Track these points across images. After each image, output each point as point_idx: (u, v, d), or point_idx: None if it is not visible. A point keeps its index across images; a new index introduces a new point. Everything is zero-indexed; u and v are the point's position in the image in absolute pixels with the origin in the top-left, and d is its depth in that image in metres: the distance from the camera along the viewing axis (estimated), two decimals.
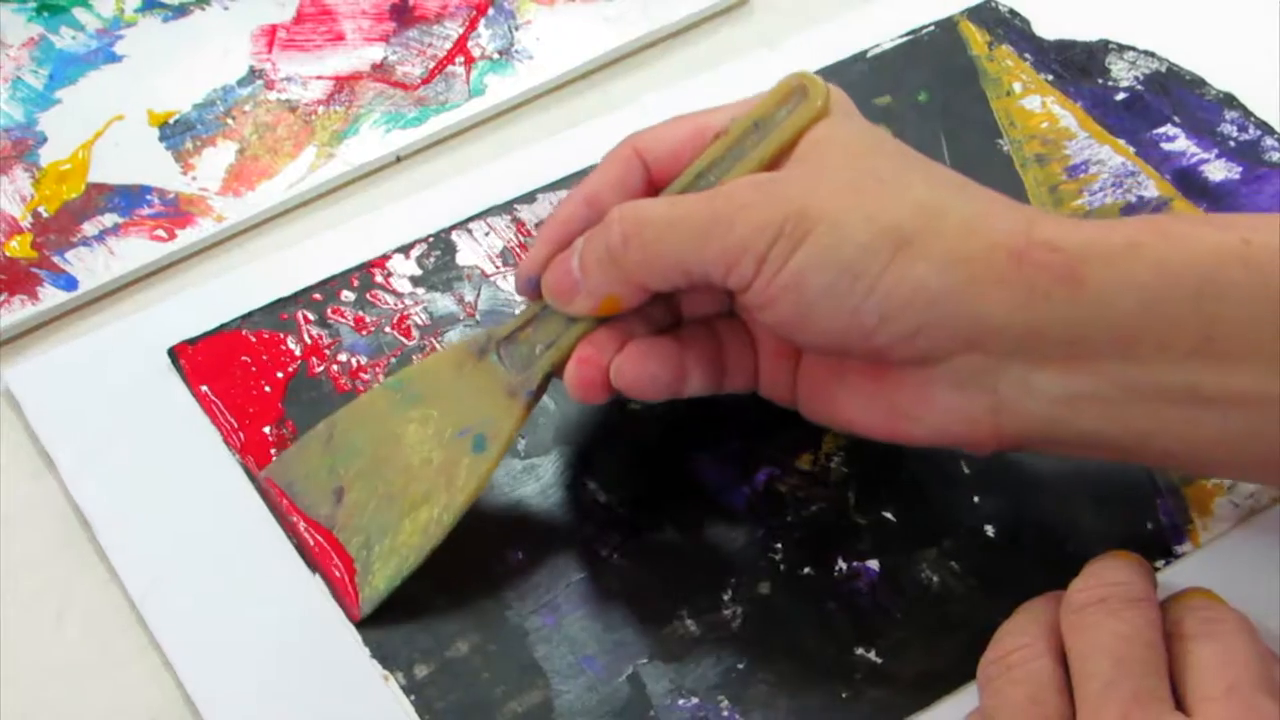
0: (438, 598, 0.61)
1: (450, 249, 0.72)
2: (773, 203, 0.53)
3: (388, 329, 0.69)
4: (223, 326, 0.70)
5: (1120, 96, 0.78)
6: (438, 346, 0.68)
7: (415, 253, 0.72)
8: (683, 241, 0.55)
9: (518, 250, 0.72)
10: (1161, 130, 0.77)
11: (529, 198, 0.74)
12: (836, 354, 0.56)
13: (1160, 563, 0.62)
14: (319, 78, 0.79)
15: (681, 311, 0.60)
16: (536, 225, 0.72)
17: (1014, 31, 0.81)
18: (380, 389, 0.63)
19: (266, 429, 0.66)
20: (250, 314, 0.70)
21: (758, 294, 0.54)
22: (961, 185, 0.56)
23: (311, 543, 0.62)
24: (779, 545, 0.62)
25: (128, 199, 0.74)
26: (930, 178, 0.56)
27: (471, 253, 0.72)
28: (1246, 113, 0.77)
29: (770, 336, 0.59)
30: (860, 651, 0.60)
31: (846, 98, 0.61)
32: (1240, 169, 0.75)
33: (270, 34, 0.81)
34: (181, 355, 0.69)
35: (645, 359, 0.57)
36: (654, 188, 0.59)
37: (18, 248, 0.72)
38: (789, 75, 0.60)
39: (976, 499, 0.63)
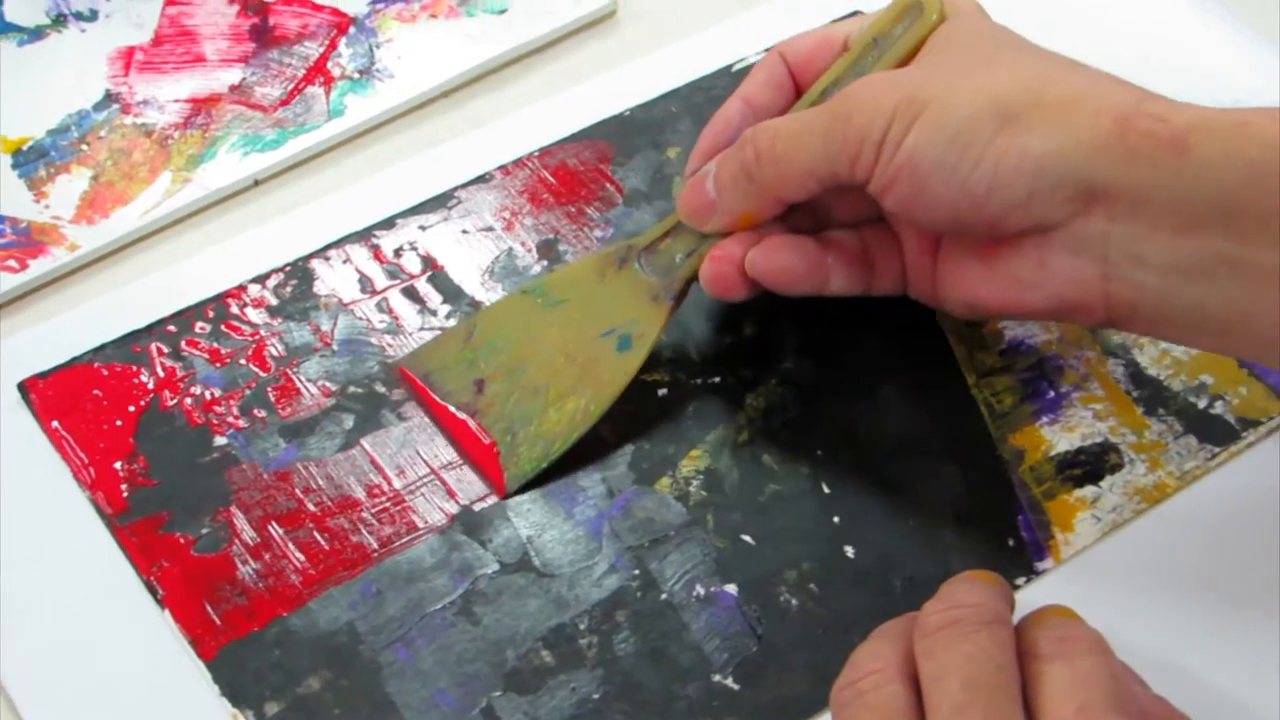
0: (290, 633, 0.60)
1: (307, 277, 0.71)
2: (885, 92, 0.56)
3: (243, 361, 0.68)
4: (75, 360, 0.69)
5: None
6: (293, 378, 0.67)
7: (272, 282, 0.71)
8: (811, 146, 0.58)
9: (373, 279, 0.70)
10: None
11: (389, 223, 0.73)
12: (957, 230, 0.58)
13: (1021, 580, 0.61)
14: (176, 100, 0.78)
15: (830, 222, 0.63)
16: (395, 252, 0.71)
17: None
18: (519, 294, 0.67)
19: (118, 464, 0.65)
20: (102, 347, 0.69)
21: (879, 179, 0.56)
22: (1072, 65, 0.58)
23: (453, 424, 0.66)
24: (636, 572, 0.62)
25: None
26: (1040, 59, 0.57)
27: (329, 281, 0.70)
28: None
29: (912, 234, 0.61)
30: (718, 679, 0.59)
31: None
32: None
33: (127, 56, 0.80)
34: (32, 390, 0.67)
35: (779, 250, 0.61)
36: (797, 86, 0.64)
37: None
38: None
39: (836, 519, 0.63)
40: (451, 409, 0.66)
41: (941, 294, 0.61)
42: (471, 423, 0.65)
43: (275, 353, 0.69)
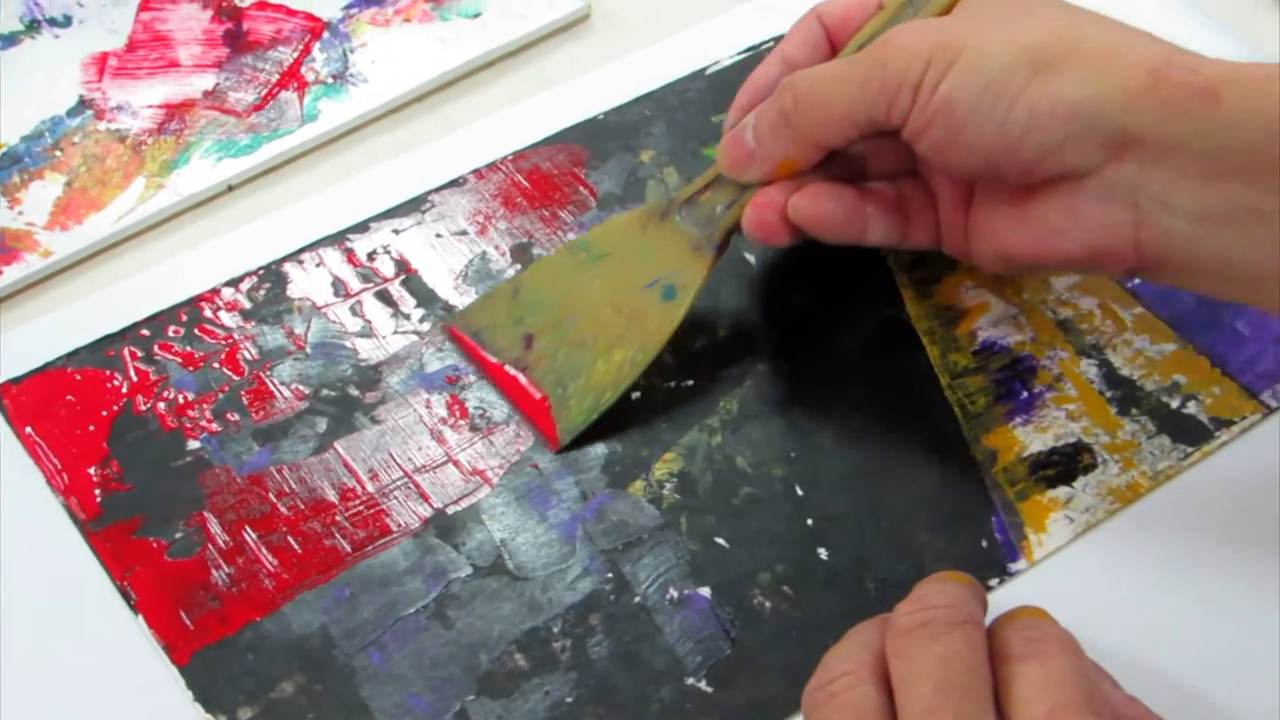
0: (263, 637, 0.61)
1: (281, 281, 0.71)
2: (922, 37, 0.57)
3: (216, 364, 0.68)
4: (48, 365, 0.68)
5: None
6: (266, 381, 0.67)
7: (245, 285, 0.71)
8: (848, 91, 0.58)
9: (347, 282, 0.70)
10: None
11: (362, 227, 0.73)
12: (990, 176, 0.58)
13: (994, 581, 0.61)
14: (150, 106, 0.77)
15: (866, 175, 0.64)
16: (369, 255, 0.71)
17: None
18: (564, 250, 0.68)
19: (91, 469, 0.65)
20: (75, 351, 0.69)
21: (915, 122, 0.57)
22: (1104, 19, 0.58)
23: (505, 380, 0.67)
24: (610, 575, 0.61)
25: None
26: (1073, 13, 0.58)
27: (302, 284, 0.70)
28: None
29: (945, 185, 0.63)
30: (691, 682, 0.59)
31: None
32: None
33: (101, 62, 0.80)
34: (5, 395, 0.67)
35: (821, 197, 0.62)
36: (833, 46, 0.65)
37: None
38: None
39: (810, 522, 0.63)
40: (503, 365, 0.67)
41: (974, 246, 0.61)
42: (522, 378, 0.66)
43: (248, 356, 0.68)
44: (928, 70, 0.56)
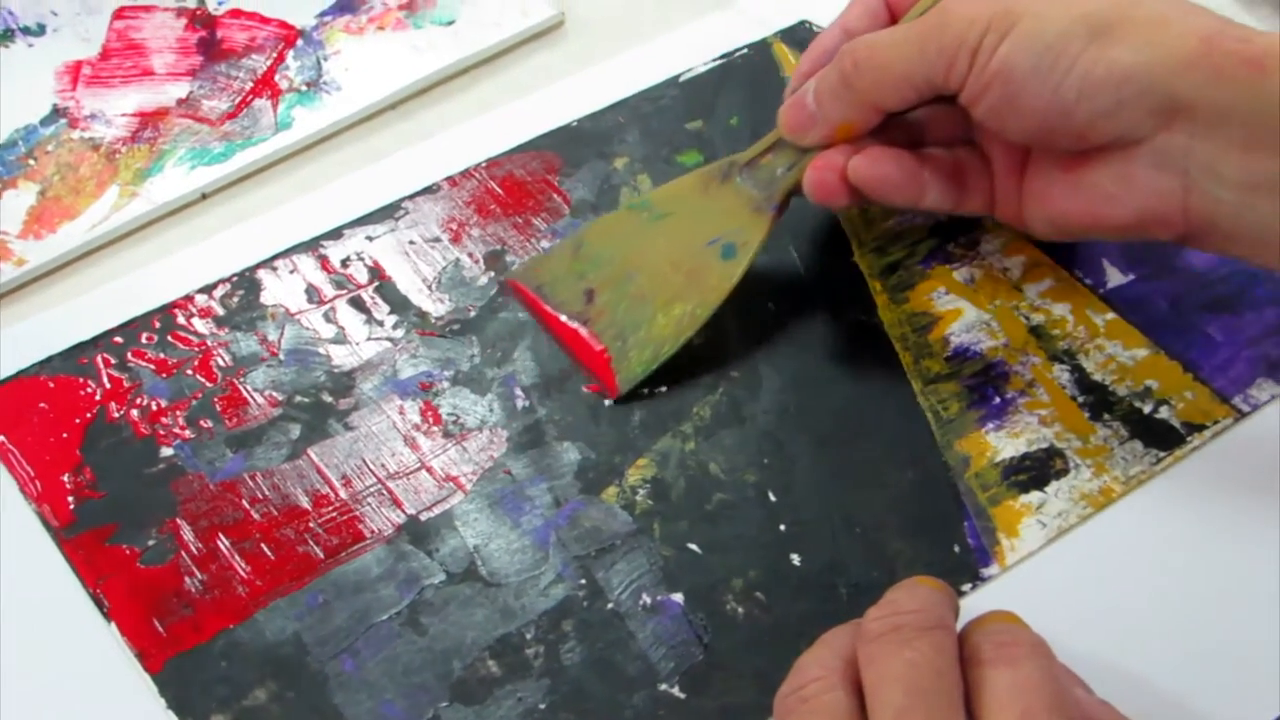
0: (236, 645, 0.61)
1: (254, 288, 0.71)
2: (982, 4, 0.58)
3: (189, 371, 0.68)
4: (21, 373, 0.68)
5: None
6: (240, 388, 0.67)
7: (218, 292, 0.71)
8: (908, 54, 0.60)
9: (321, 289, 0.70)
10: None
11: (336, 233, 0.73)
12: (1045, 141, 0.60)
13: (967, 586, 0.61)
14: (124, 114, 0.77)
15: (924, 142, 0.66)
16: (342, 262, 0.71)
17: None
18: (626, 209, 0.70)
19: (64, 477, 0.65)
20: (49, 359, 0.68)
21: (973, 85, 0.59)
22: None
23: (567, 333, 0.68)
24: (583, 581, 0.61)
25: None
26: None
27: (276, 291, 0.70)
28: None
29: (1000, 152, 0.65)
30: (664, 688, 0.59)
31: None
32: None
33: (75, 70, 0.80)
34: None
35: (881, 159, 0.63)
36: (892, 16, 0.66)
37: None
38: None
39: (783, 527, 0.63)
40: (563, 318, 0.69)
41: (1027, 211, 0.63)
42: (583, 330, 0.68)
43: (222, 363, 0.68)
44: (986, 34, 0.58)
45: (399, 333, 0.69)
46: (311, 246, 0.72)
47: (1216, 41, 0.55)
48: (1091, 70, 0.56)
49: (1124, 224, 0.60)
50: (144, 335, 0.69)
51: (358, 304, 0.70)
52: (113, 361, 0.68)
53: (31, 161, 0.76)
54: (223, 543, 0.63)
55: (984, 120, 0.60)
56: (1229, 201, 0.57)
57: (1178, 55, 0.55)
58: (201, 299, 0.70)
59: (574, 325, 0.68)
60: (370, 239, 0.72)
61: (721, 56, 0.81)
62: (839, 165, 0.63)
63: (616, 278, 0.68)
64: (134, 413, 0.67)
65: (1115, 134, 0.57)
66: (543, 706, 0.58)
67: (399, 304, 0.70)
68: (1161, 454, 0.65)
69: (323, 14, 0.82)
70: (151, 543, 0.63)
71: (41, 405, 0.67)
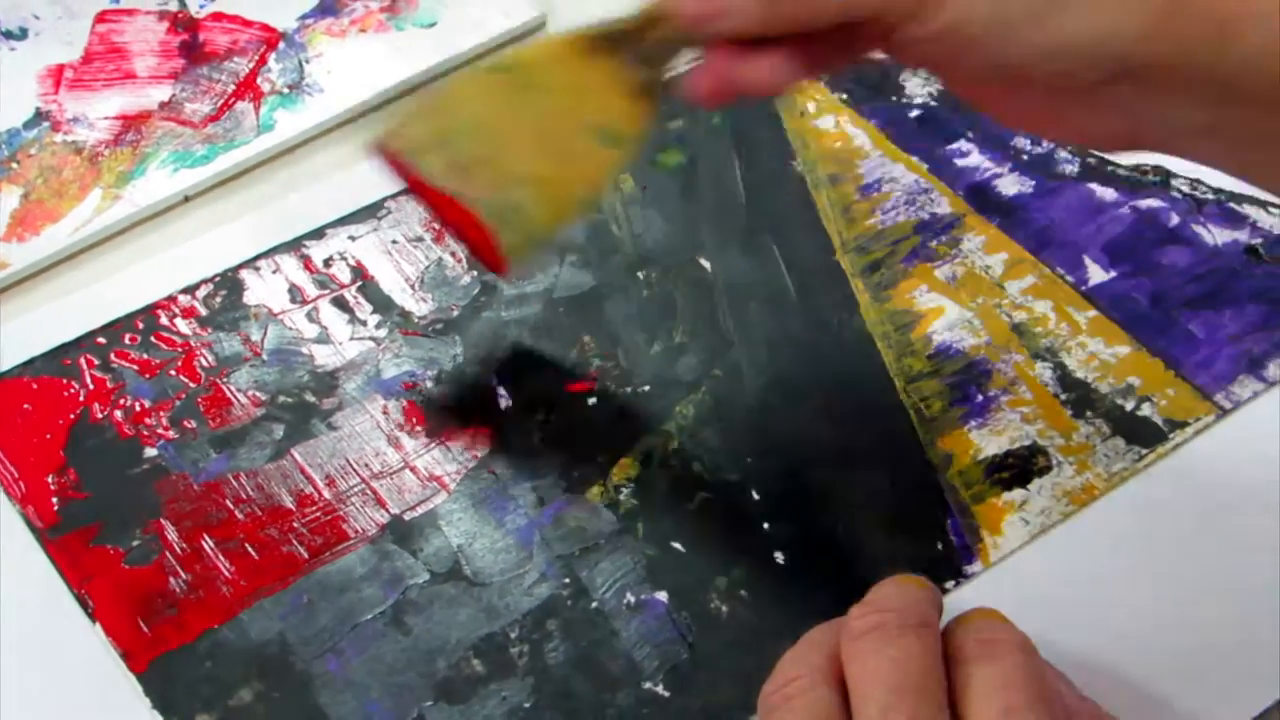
0: (221, 644, 0.61)
1: (237, 288, 0.71)
2: None
3: (172, 372, 0.68)
4: (4, 374, 0.68)
5: (914, 114, 0.78)
6: (223, 388, 0.67)
7: (201, 293, 0.71)
8: None
9: (303, 288, 0.70)
10: (955, 146, 0.77)
11: (319, 233, 0.73)
12: (982, 79, 0.55)
13: (950, 583, 0.61)
14: (106, 118, 0.77)
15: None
16: (325, 262, 0.71)
17: None
18: (486, 70, 0.60)
19: (48, 478, 0.65)
20: (32, 360, 0.68)
21: (914, 31, 0.52)
22: None
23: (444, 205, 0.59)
24: (567, 580, 0.62)
25: None
26: None
27: (259, 291, 0.70)
28: None
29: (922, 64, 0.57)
30: (648, 686, 0.59)
31: None
32: (1033, 183, 0.75)
33: (57, 74, 0.80)
34: None
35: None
36: None
37: None
38: None
39: (767, 526, 0.63)
40: (440, 189, 0.58)
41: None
42: (463, 205, 0.58)
43: (205, 363, 0.68)
44: None
45: (382, 332, 0.69)
46: (294, 246, 0.72)
47: (1182, 4, 0.53)
48: (1050, 37, 0.52)
49: (1060, 139, 0.57)
50: (127, 336, 0.69)
51: (341, 304, 0.70)
52: (96, 362, 0.68)
53: (14, 165, 0.76)
54: (207, 543, 0.63)
55: (914, 64, 0.56)
56: (1182, 138, 0.55)
57: (1138, 23, 0.53)
58: (184, 299, 0.70)
59: (451, 196, 0.58)
60: (353, 239, 0.73)
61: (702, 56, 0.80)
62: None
63: (489, 157, 0.59)
64: (118, 413, 0.67)
65: (1062, 87, 0.53)
66: (527, 705, 0.59)
67: (382, 303, 0.70)
68: (1143, 451, 0.65)
69: (304, 16, 0.82)
70: (136, 543, 0.63)
71: (25, 406, 0.67)
